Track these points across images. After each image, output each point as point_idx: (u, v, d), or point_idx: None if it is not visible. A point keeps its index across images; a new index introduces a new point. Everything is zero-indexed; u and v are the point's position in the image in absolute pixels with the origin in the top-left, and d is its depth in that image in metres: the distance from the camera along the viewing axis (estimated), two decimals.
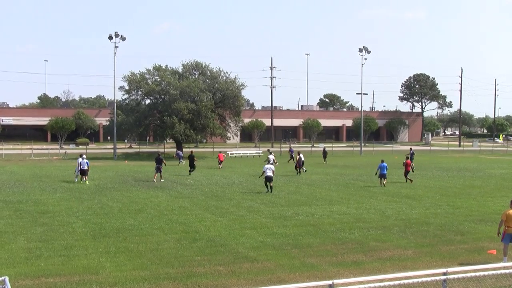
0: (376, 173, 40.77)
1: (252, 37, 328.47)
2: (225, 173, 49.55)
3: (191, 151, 51.79)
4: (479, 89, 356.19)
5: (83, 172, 40.55)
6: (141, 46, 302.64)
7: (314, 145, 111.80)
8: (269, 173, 35.39)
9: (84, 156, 42.33)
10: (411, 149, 63.15)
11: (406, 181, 41.67)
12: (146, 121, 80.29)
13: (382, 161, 40.27)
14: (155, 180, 41.96)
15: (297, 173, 48.79)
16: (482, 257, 18.56)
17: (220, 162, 56.89)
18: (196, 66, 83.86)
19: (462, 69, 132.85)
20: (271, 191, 34.82)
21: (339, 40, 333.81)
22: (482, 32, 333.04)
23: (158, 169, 42.70)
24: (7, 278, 10.14)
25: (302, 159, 49.68)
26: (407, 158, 44.87)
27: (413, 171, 46.12)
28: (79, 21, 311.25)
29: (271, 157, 52.37)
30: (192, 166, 48.51)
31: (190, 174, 47.33)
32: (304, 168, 50.59)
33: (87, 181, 40.14)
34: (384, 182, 39.49)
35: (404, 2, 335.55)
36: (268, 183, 35.36)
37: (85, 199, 31.54)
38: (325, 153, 68.35)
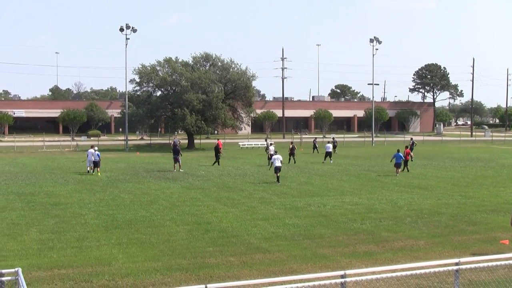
0: (391, 161, 42.19)
1: (263, 28, 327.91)
2: (237, 164, 49.56)
3: (218, 142, 50.80)
4: (491, 79, 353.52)
5: (95, 164, 40.76)
6: (152, 38, 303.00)
7: (326, 136, 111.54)
8: (278, 164, 35.67)
9: (96, 148, 42.59)
10: (411, 139, 62.56)
11: (404, 169, 42.14)
12: (157, 112, 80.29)
13: (398, 151, 41.25)
14: (174, 170, 42.15)
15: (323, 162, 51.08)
16: (495, 247, 18.50)
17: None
18: (206, 58, 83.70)
19: (473, 59, 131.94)
20: (278, 182, 35.08)
21: (350, 30, 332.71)
22: (494, 21, 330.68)
23: (176, 160, 42.76)
24: (20, 270, 10.18)
25: (329, 149, 52.23)
26: (406, 147, 45.44)
27: (411, 161, 46.92)
28: (91, 13, 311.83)
29: (272, 148, 47.24)
30: (217, 158, 48.99)
31: (213, 165, 48.00)
32: (331, 160, 52.08)
33: (99, 173, 40.29)
34: (399, 171, 40.26)
35: None
36: (276, 173, 35.64)
37: (97, 191, 31.65)
38: (315, 144, 67.58)
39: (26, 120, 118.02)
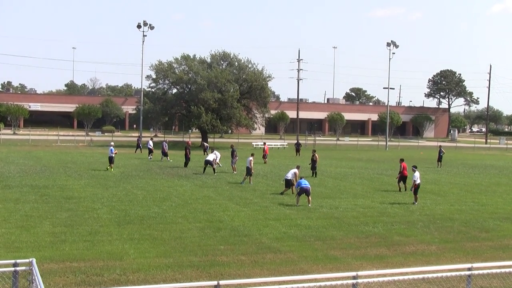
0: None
1: (279, 29, 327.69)
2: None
3: (232, 145, 50.70)
4: (507, 87, 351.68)
5: (109, 160, 41.20)
6: (169, 36, 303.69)
7: (339, 139, 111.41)
8: (289, 177, 31.48)
9: (112, 144, 43.22)
10: (440, 146, 57.78)
11: (401, 188, 34.26)
12: (172, 110, 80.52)
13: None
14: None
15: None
16: (507, 255, 18.42)
17: (265, 155, 53.36)
18: (224, 56, 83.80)
19: (490, 66, 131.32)
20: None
21: (366, 34, 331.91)
22: (509, 29, 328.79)
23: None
24: (34, 260, 10.28)
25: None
26: (401, 160, 35.04)
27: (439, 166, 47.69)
28: (108, 9, 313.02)
29: (218, 153, 44.23)
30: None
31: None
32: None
33: (112, 169, 40.53)
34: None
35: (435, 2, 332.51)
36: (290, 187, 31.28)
37: (110, 186, 31.77)
38: (298, 146, 66.71)
39: (41, 114, 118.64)
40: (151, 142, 53.86)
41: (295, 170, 31.85)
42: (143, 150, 58.88)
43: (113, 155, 41.06)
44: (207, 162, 40.66)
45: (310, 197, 27.21)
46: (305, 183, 27.43)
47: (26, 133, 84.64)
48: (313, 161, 41.89)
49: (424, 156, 64.43)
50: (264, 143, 61.27)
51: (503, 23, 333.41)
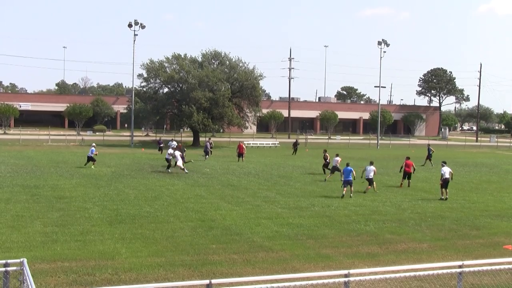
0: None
1: (270, 28, 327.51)
2: (242, 163, 49.59)
3: (239, 142, 52.32)
4: (498, 85, 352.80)
5: (89, 159, 42.72)
6: (160, 36, 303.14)
7: (331, 137, 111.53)
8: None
9: (94, 144, 45.36)
10: (428, 145, 59.97)
11: (402, 184, 35.76)
12: (164, 109, 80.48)
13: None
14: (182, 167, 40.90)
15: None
16: (498, 252, 18.51)
17: (240, 154, 52.72)
18: (215, 55, 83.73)
19: (481, 64, 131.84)
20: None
21: (357, 33, 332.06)
22: (501, 27, 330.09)
23: (182, 158, 42.48)
24: (25, 260, 10.24)
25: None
26: (407, 158, 36.96)
27: (423, 165, 49.06)
28: (99, 8, 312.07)
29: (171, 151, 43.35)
30: (207, 154, 51.83)
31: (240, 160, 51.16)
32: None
33: (93, 166, 41.91)
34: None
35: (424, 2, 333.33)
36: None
37: (102, 186, 31.72)
38: (296, 144, 66.24)
39: (32, 113, 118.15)
40: (174, 143, 53.39)
41: (373, 167, 32.90)
42: (163, 150, 57.87)
43: (93, 155, 42.35)
44: (167, 160, 41.74)
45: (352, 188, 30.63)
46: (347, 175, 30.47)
47: (17, 132, 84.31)
48: (326, 160, 42.86)
49: (415, 154, 64.35)
50: (241, 142, 61.11)
51: (490, 22, 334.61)
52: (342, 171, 32.73)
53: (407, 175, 35.71)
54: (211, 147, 55.39)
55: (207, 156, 53.31)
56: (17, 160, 46.45)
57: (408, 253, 18.22)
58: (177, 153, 40.63)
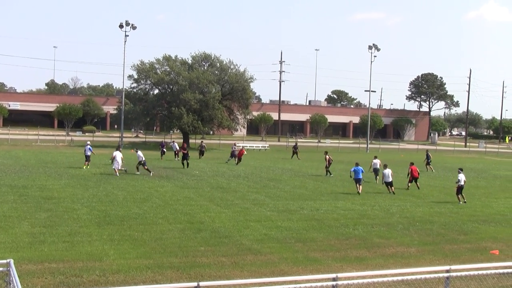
0: (350, 176, 36.38)
1: (261, 31, 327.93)
2: (231, 166, 49.57)
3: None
4: (487, 91, 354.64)
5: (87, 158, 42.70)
6: (151, 37, 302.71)
7: (321, 141, 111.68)
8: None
9: (89, 142, 44.97)
10: (427, 151, 58.58)
11: (408, 187, 36.94)
12: (154, 111, 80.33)
13: (357, 164, 35.14)
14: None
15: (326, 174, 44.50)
16: (485, 257, 18.57)
17: (239, 158, 52.28)
18: (206, 58, 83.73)
19: (470, 70, 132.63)
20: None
21: (348, 37, 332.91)
22: (491, 33, 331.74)
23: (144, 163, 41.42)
24: (12, 261, 10.17)
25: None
26: (411, 164, 38.19)
27: (427, 170, 50.16)
28: (90, 8, 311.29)
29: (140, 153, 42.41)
30: (233, 157, 53.35)
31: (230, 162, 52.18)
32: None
33: (86, 167, 41.95)
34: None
35: (413, 5, 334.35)
36: None
37: (90, 186, 31.62)
38: (295, 148, 64.77)
39: (21, 113, 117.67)
40: (176, 145, 56.04)
41: (390, 170, 34.64)
42: (167, 153, 57.45)
43: (90, 154, 42.61)
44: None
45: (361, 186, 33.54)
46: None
47: (5, 132, 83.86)
48: (328, 162, 44.73)
49: (405, 158, 64.52)
50: (234, 143, 61.94)
51: (479, 29, 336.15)
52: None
53: (414, 179, 37.12)
54: (202, 149, 58.57)
55: (201, 156, 57.28)
56: (5, 160, 46.25)
57: (396, 257, 18.25)
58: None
